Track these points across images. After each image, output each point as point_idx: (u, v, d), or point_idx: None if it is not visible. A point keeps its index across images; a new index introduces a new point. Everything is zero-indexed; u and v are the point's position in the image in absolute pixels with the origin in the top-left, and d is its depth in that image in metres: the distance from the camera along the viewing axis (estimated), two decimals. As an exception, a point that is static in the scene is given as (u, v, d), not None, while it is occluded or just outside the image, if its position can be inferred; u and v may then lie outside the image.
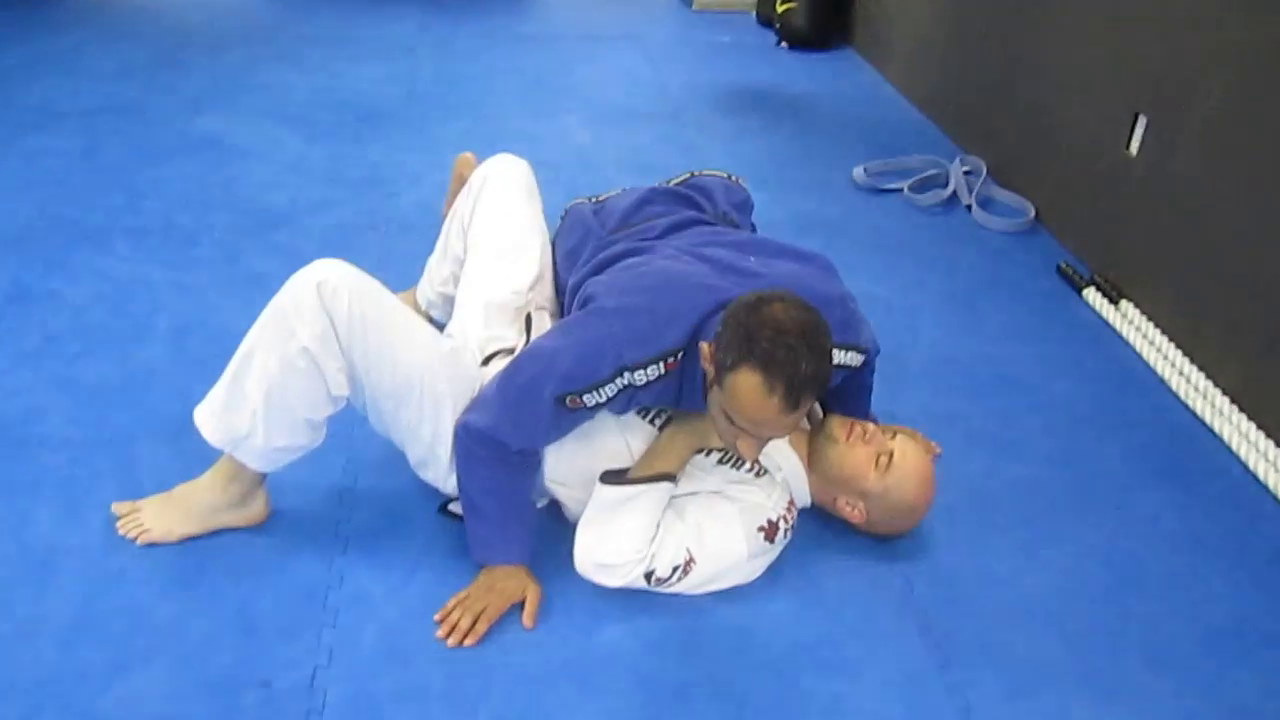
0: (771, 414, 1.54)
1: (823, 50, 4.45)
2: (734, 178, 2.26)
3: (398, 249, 2.74)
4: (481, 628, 1.69)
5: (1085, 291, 2.72)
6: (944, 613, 1.79)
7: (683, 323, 1.68)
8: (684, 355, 1.68)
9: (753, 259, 1.86)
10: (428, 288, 2.30)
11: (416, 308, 2.34)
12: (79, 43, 4.05)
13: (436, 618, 1.71)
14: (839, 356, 1.73)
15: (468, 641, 1.67)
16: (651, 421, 1.83)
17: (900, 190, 3.20)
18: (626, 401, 1.70)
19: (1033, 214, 3.07)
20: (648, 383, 1.67)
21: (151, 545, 1.81)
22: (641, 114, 3.73)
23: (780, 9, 4.42)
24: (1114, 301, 2.65)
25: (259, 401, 1.70)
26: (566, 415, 1.69)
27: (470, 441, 1.71)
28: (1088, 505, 2.05)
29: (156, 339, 2.37)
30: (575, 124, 3.62)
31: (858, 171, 3.28)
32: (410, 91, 3.81)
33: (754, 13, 4.79)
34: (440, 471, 1.82)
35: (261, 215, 2.90)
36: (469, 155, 2.61)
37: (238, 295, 2.51)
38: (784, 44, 4.46)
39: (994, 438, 2.22)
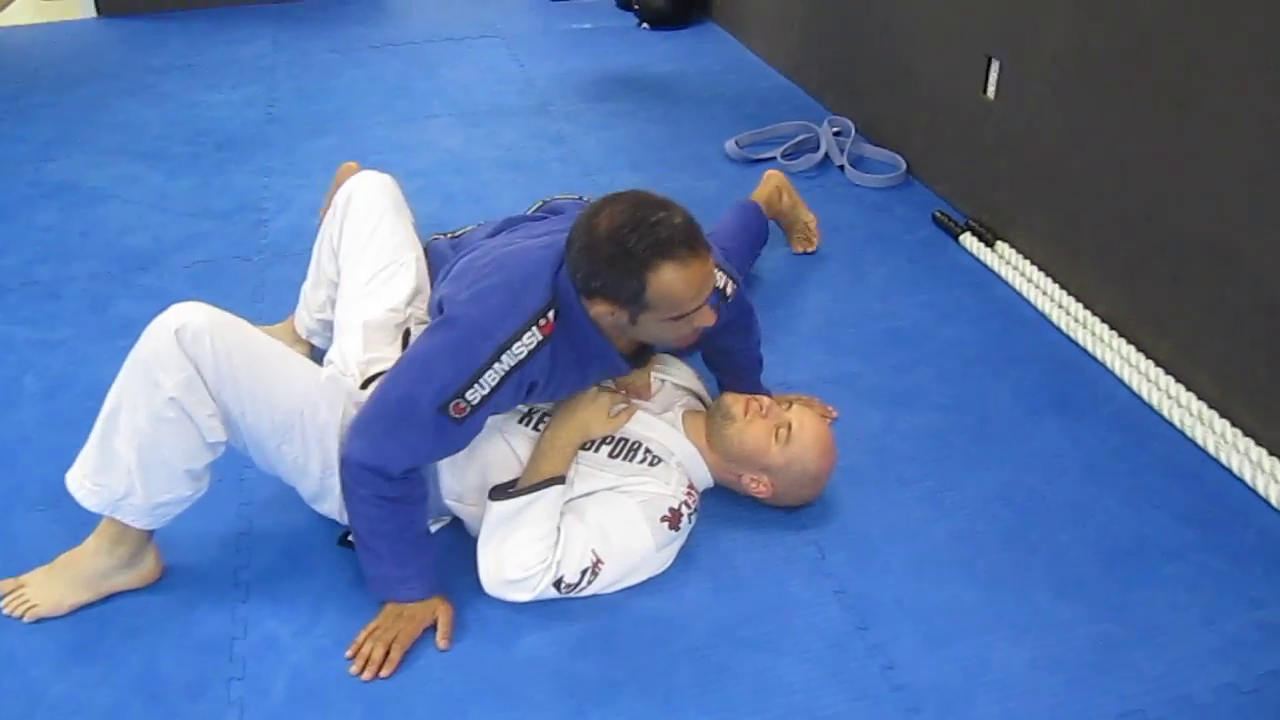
0: (698, 276, 1.56)
1: (684, 27, 4.44)
2: (584, 198, 2.26)
3: (273, 277, 2.67)
4: (395, 656, 1.65)
5: (962, 237, 2.77)
6: (857, 574, 1.80)
7: (539, 281, 1.66)
8: (556, 315, 1.66)
9: (577, 213, 1.86)
10: (305, 315, 2.24)
11: (296, 337, 2.28)
12: (-90, 99, 3.84)
13: (348, 654, 1.66)
14: None
15: (383, 672, 1.63)
16: (535, 427, 1.80)
17: (773, 158, 3.22)
18: (516, 389, 1.65)
19: (904, 167, 3.11)
20: (530, 354, 1.63)
21: (40, 620, 1.72)
22: (510, 110, 3.68)
23: (638, -10, 4.40)
24: (990, 244, 2.70)
25: (132, 459, 1.63)
26: (452, 426, 1.62)
27: (350, 479, 1.66)
28: (986, 447, 2.09)
29: (25, 402, 2.26)
30: (444, 127, 3.56)
31: (729, 144, 3.28)
32: (270, 113, 3.70)
33: (613, -4, 4.77)
34: (335, 503, 1.77)
35: (126, 259, 2.79)
36: (353, 164, 2.57)
37: (108, 345, 2.40)
38: (645, 25, 4.44)
39: (889, 392, 2.24)
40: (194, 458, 1.65)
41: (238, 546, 1.88)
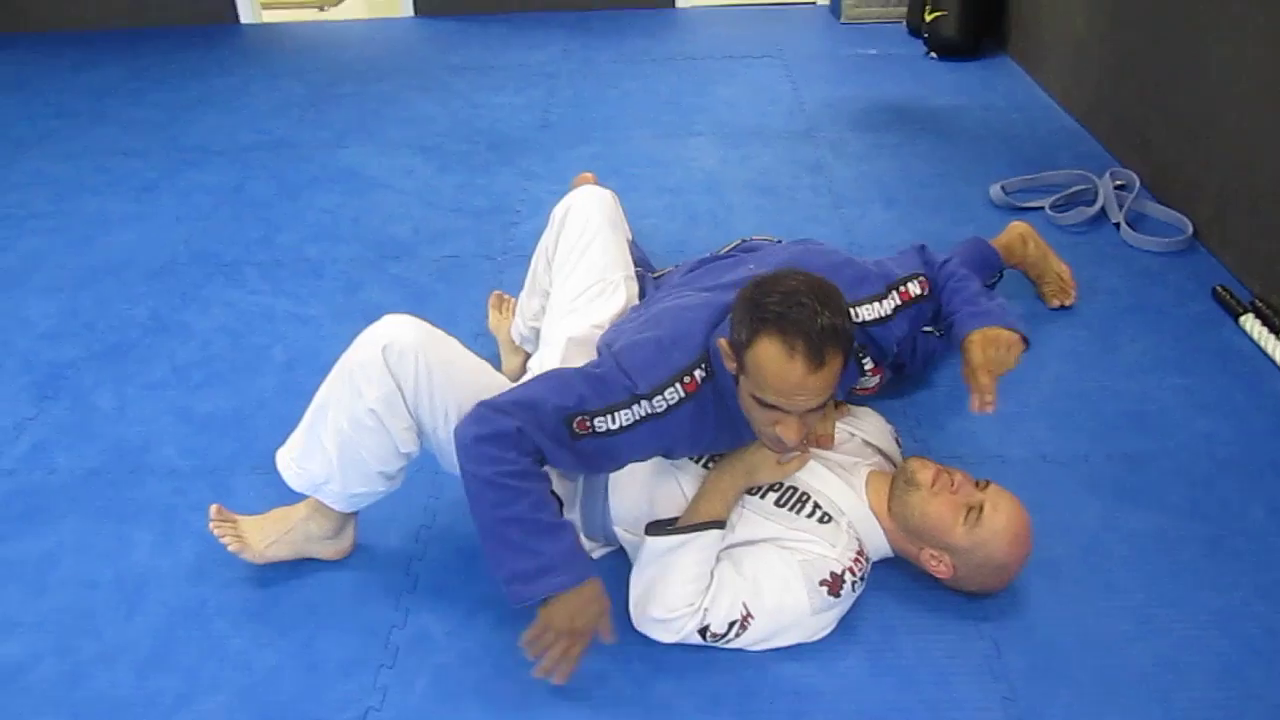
0: (798, 377, 1.45)
1: (974, 58, 4.22)
2: (781, 240, 2.19)
3: (509, 279, 2.75)
4: (576, 652, 1.56)
5: (1243, 318, 2.45)
6: (1033, 683, 1.62)
7: (691, 340, 1.63)
8: (705, 377, 1.61)
9: (751, 265, 1.84)
10: (520, 322, 2.30)
11: (511, 343, 2.35)
12: (244, 81, 4.29)
13: (524, 641, 1.57)
14: (870, 310, 1.73)
15: (556, 680, 1.57)
16: (705, 465, 1.75)
17: (1041, 208, 2.98)
18: (648, 440, 1.61)
19: (1190, 231, 2.79)
20: (668, 409, 1.59)
21: (239, 556, 1.83)
22: (773, 133, 3.63)
23: (929, 17, 4.22)
24: (1276, 330, 2.37)
25: (334, 453, 1.74)
26: (568, 439, 1.57)
27: (468, 463, 1.56)
28: (1220, 565, 1.83)
29: (270, 370, 2.46)
30: (703, 146, 3.56)
31: (995, 189, 3.08)
32: (545, 119, 3.85)
33: (904, 22, 4.60)
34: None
35: (384, 246, 2.98)
36: (588, 175, 2.62)
37: (350, 326, 2.48)
38: (933, 54, 4.26)
39: (1117, 483, 2.01)
40: (387, 462, 1.74)
41: (417, 538, 1.96)
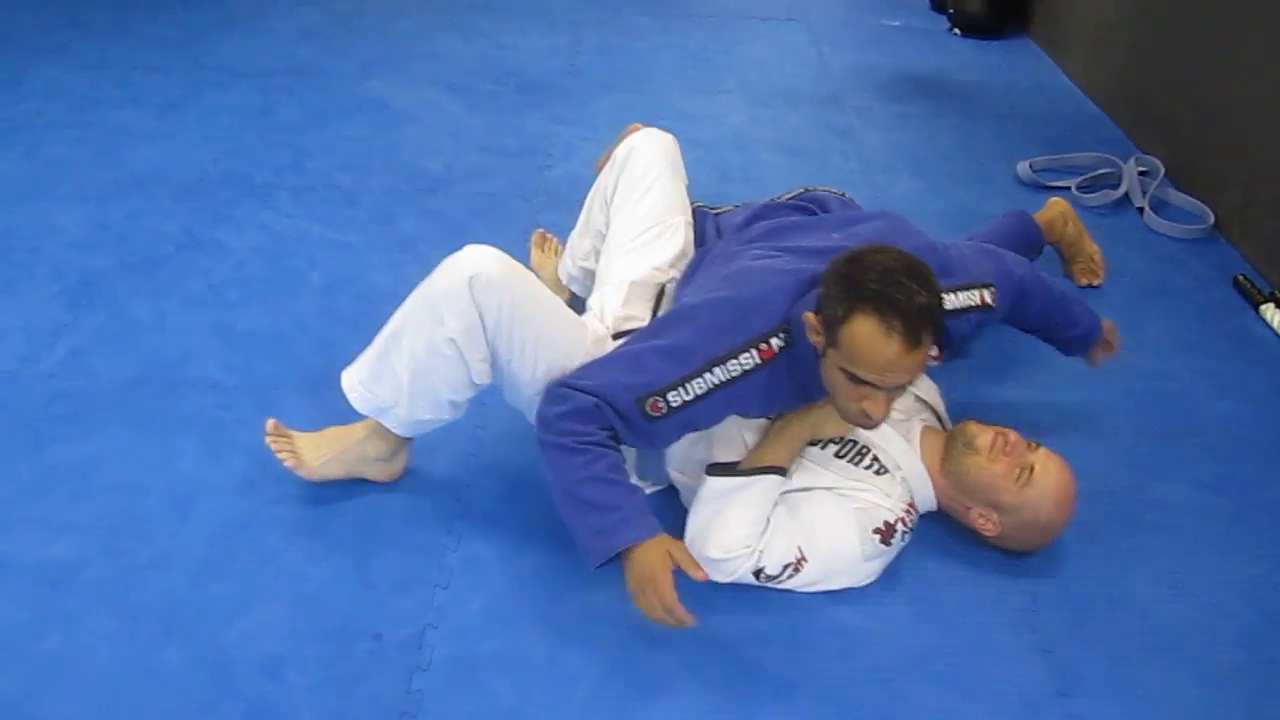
0: (894, 355, 1.49)
1: (997, 38, 4.24)
2: (846, 194, 2.20)
3: (545, 220, 2.76)
4: (677, 608, 1.54)
5: (1263, 307, 2.52)
6: (1069, 637, 1.69)
7: (771, 307, 1.64)
8: (783, 347, 1.63)
9: (835, 235, 1.85)
10: (569, 262, 2.31)
11: (558, 282, 2.36)
12: (264, 4, 4.22)
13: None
14: (954, 299, 1.76)
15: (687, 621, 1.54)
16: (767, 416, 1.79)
17: (1068, 188, 3.04)
18: (724, 405, 1.64)
19: (1212, 220, 2.86)
20: (744, 373, 1.62)
21: (295, 473, 1.85)
22: (800, 96, 3.65)
23: (955, -7, 4.25)
24: (1295, 321, 2.45)
25: (405, 379, 1.75)
26: (643, 422, 1.61)
27: (548, 434, 1.62)
28: (1243, 538, 1.91)
29: (308, 293, 2.46)
30: (732, 103, 3.57)
31: (1022, 166, 3.12)
32: (572, 65, 3.83)
33: (928, -4, 4.62)
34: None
35: (417, 179, 2.98)
36: (638, 126, 2.62)
37: (386, 256, 2.59)
38: (956, 30, 4.28)
39: (1145, 456, 2.08)
40: (458, 391, 1.76)
41: (468, 465, 1.99)
